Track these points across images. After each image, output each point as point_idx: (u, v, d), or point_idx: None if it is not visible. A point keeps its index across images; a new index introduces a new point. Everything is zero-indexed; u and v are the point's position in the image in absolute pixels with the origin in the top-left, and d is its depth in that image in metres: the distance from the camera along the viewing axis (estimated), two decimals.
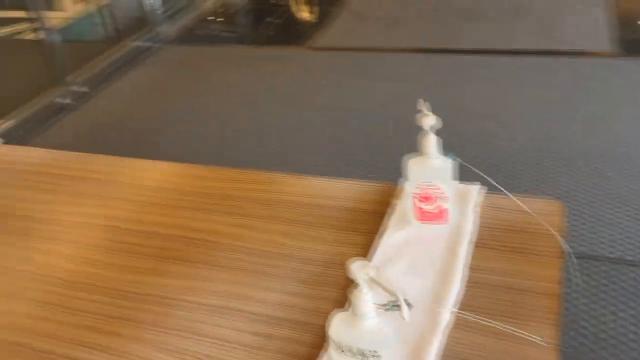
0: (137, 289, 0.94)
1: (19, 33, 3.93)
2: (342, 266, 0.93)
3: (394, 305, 0.67)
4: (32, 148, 1.46)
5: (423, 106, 0.91)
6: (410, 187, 0.95)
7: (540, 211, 0.97)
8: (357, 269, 0.62)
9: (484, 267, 0.89)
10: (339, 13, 3.65)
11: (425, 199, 0.94)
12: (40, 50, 3.18)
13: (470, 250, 0.92)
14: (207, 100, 2.84)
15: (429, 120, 0.89)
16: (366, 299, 0.64)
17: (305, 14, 4.02)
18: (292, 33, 3.69)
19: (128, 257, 1.02)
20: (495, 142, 2.26)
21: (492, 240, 0.94)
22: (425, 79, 2.77)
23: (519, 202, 0.95)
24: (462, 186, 1.04)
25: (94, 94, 3.04)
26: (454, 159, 0.92)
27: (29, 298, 0.96)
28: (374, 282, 0.61)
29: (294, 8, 4.13)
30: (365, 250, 0.96)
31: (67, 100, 2.97)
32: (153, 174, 1.26)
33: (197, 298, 0.90)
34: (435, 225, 0.96)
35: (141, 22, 3.74)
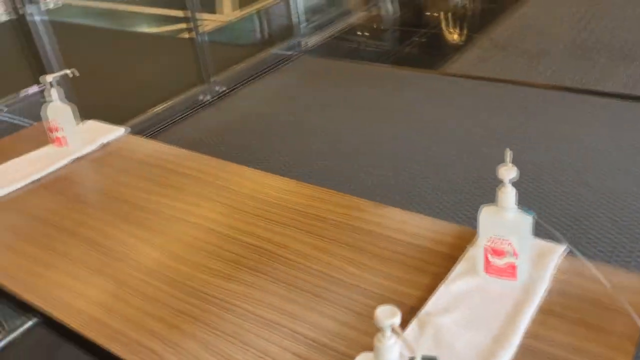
0: (205, 289, 1.01)
1: (180, 31, 4.33)
2: (400, 305, 0.92)
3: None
4: (154, 141, 1.61)
5: (507, 156, 0.88)
6: (483, 237, 0.92)
7: (625, 286, 0.89)
8: (382, 315, 0.62)
9: (544, 335, 0.83)
10: (479, 40, 3.56)
11: (495, 252, 0.90)
12: (193, 49, 3.47)
13: (535, 314, 0.86)
14: (332, 114, 2.91)
15: (508, 173, 0.86)
16: (388, 346, 0.63)
17: (449, 36, 3.97)
18: (430, 55, 3.66)
19: (207, 257, 1.09)
20: (624, 200, 2.07)
21: (561, 308, 0.87)
22: (560, 118, 2.61)
23: (596, 271, 0.88)
24: (545, 245, 0.98)
25: (230, 94, 3.26)
26: (531, 215, 0.88)
27: (115, 277, 1.07)
28: (395, 331, 0.61)
29: (440, 30, 4.10)
30: (427, 293, 0.94)
31: (207, 97, 3.22)
32: (252, 183, 1.33)
33: (254, 308, 0.95)
34: (503, 280, 0.92)
35: (287, 32, 3.94)
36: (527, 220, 0.87)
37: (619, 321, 0.83)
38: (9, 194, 1.40)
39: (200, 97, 3.23)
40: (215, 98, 3.23)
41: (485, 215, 0.90)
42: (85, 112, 2.54)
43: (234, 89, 3.30)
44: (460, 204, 2.11)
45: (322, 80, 3.36)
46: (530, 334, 0.84)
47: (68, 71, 1.50)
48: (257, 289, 0.99)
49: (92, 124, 1.65)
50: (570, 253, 0.97)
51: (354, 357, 0.83)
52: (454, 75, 3.11)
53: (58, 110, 1.48)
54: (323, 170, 2.43)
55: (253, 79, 3.40)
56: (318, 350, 0.86)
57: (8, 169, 1.49)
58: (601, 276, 0.87)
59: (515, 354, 0.81)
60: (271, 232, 1.14)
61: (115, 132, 1.60)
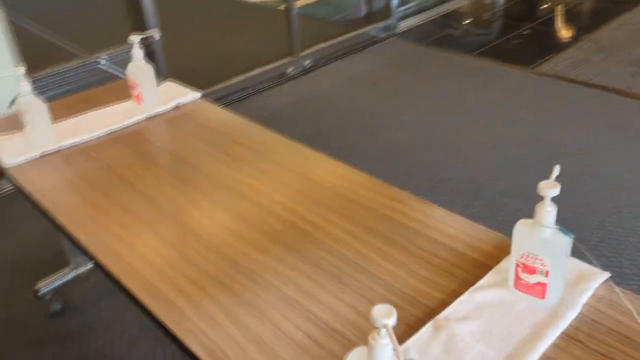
0: (238, 257, 1.05)
1: (279, 3, 4.39)
2: (420, 305, 0.92)
3: None
4: (226, 109, 1.66)
5: (554, 173, 0.84)
6: (516, 252, 0.89)
7: None
8: (378, 314, 0.62)
9: None
10: (583, 40, 3.35)
11: (526, 268, 0.87)
12: (288, 21, 3.52)
13: (557, 339, 0.83)
14: (411, 102, 2.87)
15: (550, 189, 0.82)
16: (382, 345, 0.64)
17: (551, 33, 3.76)
18: (527, 51, 3.49)
19: (247, 228, 1.13)
20: None
21: (587, 338, 0.83)
22: None
23: (631, 306, 0.83)
24: (586, 268, 0.94)
25: (315, 69, 3.28)
26: (569, 236, 0.84)
27: (161, 234, 1.13)
28: (388, 332, 0.61)
29: (544, 25, 3.89)
30: (452, 298, 0.93)
31: (293, 71, 3.27)
32: (307, 162, 1.35)
33: (278, 282, 0.98)
34: (531, 298, 0.89)
35: (382, 13, 3.89)
36: (563, 241, 0.84)
37: None
38: (87, 141, 1.51)
39: (288, 70, 3.29)
40: (300, 72, 3.27)
41: (521, 230, 0.87)
42: (176, 73, 2.65)
43: (320, 65, 3.33)
44: (523, 212, 2.03)
45: (409, 66, 3.30)
46: (546, 359, 0.81)
47: (152, 32, 1.58)
48: (286, 265, 1.02)
49: (169, 85, 1.74)
50: (612, 281, 0.91)
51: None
52: (547, 75, 2.96)
53: (139, 69, 1.57)
54: (391, 158, 2.42)
55: (340, 57, 3.41)
56: (328, 335, 0.87)
57: (91, 118, 1.60)
58: (635, 312, 0.82)
59: None
60: (312, 213, 1.16)
61: (190, 95, 1.67)
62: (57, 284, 1.86)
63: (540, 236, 0.84)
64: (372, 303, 0.93)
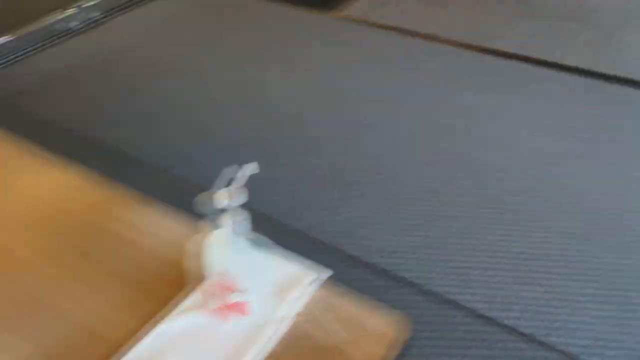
0: None
1: None
2: (110, 342, 0.77)
3: None
4: None
5: (244, 173, 0.70)
6: (211, 269, 0.75)
7: (374, 329, 0.76)
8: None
9: None
10: None
11: (223, 287, 0.75)
12: None
13: None
14: (208, 52, 2.65)
15: (230, 200, 0.68)
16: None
17: None
18: None
19: None
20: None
21: (292, 356, 0.74)
22: (444, 81, 2.46)
23: (332, 317, 0.74)
24: (303, 270, 0.84)
25: (105, 20, 2.91)
26: (263, 245, 0.72)
27: None
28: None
29: None
30: (143, 322, 0.78)
31: (75, 24, 2.86)
32: (18, 167, 1.11)
33: None
34: (233, 318, 0.77)
35: None
36: (260, 252, 0.72)
37: None
38: None
39: (64, 25, 2.86)
40: (84, 26, 2.87)
41: (212, 244, 0.74)
42: None
43: (110, 15, 2.95)
44: (321, 168, 1.96)
45: (214, 15, 3.05)
46: None
47: None
48: None
49: None
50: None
51: None
52: (346, 18, 2.88)
53: None
54: (183, 120, 2.21)
55: (134, 6, 3.05)
56: None
57: None
58: (336, 323, 0.74)
59: None
60: (5, 231, 0.94)
61: None
62: None
63: (233, 251, 0.72)
64: (52, 348, 0.76)
